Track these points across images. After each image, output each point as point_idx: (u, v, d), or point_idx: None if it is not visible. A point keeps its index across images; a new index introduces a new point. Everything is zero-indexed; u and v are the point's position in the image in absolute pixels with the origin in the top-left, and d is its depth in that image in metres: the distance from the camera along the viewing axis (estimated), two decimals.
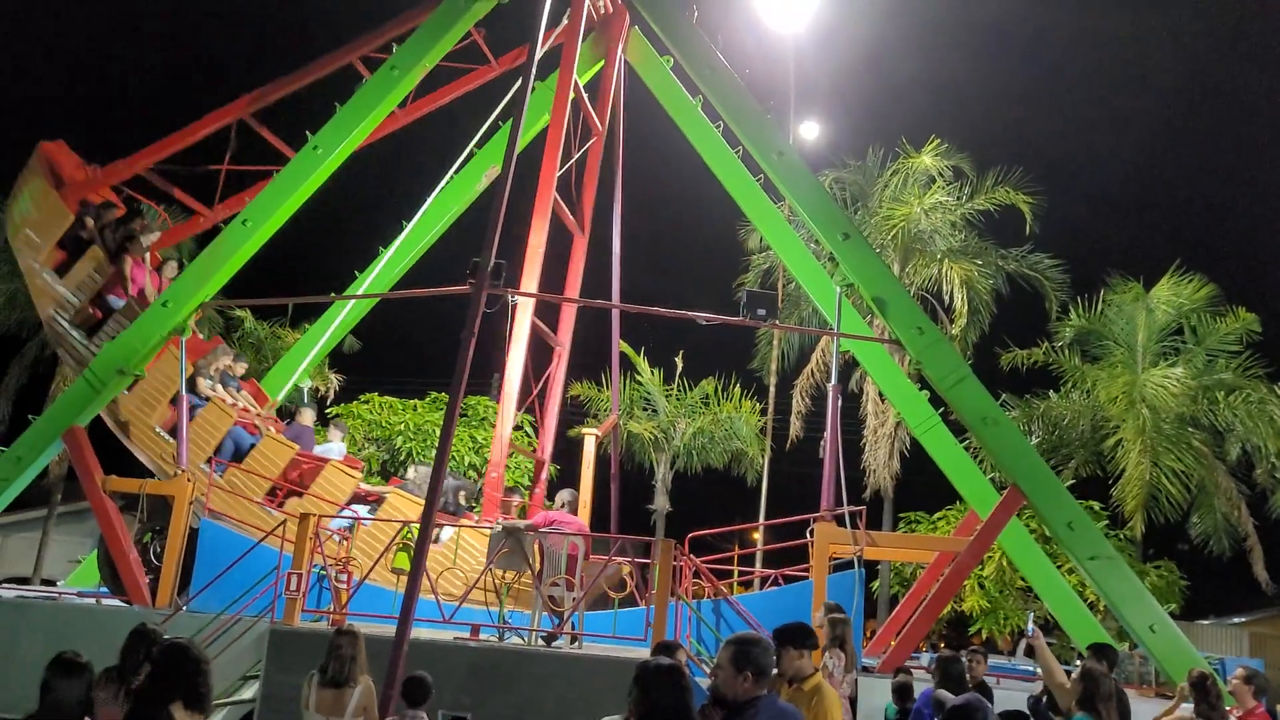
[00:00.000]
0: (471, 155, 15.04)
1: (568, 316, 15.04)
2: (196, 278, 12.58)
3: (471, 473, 20.71)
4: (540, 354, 14.37)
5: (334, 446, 13.81)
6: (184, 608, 10.92)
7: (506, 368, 12.52)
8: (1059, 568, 14.84)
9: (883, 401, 21.95)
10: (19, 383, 25.46)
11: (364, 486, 13.28)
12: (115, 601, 11.90)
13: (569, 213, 14.57)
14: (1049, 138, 46.77)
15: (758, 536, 23.83)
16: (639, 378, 25.35)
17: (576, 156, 14.63)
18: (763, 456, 24.94)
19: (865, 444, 23.20)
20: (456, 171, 15.03)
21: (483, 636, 9.89)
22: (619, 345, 17.38)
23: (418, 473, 13.55)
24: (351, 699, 6.48)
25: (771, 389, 24.77)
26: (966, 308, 22.29)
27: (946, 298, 22.69)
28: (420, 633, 8.98)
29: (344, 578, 10.98)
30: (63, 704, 4.23)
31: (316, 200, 13.35)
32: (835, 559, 11.18)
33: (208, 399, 12.79)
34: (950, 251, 22.82)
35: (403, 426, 22.59)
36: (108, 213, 13.78)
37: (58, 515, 26.39)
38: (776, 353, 24.73)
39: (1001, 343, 23.14)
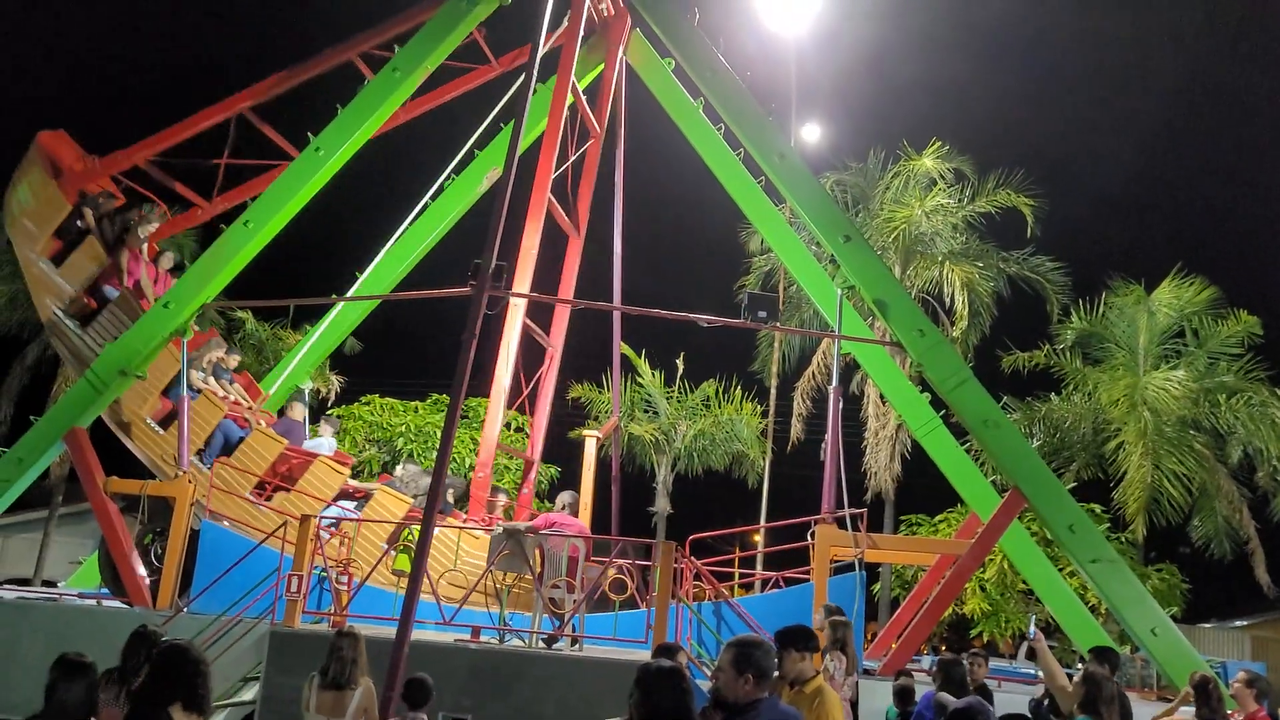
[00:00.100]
0: (472, 156, 15.05)
1: (561, 318, 15.06)
2: (198, 279, 12.58)
3: (472, 474, 20.70)
4: (535, 355, 14.41)
5: (324, 442, 13.80)
6: (185, 609, 10.91)
7: (496, 368, 12.54)
8: (1060, 571, 14.82)
9: (884, 404, 21.93)
10: (21, 383, 25.50)
11: (351, 483, 13.28)
12: (116, 603, 11.90)
13: (564, 214, 14.58)
14: (1050, 139, 46.82)
15: (758, 539, 23.81)
16: (640, 380, 25.35)
17: (574, 158, 14.65)
18: (764, 459, 24.93)
19: (866, 446, 23.19)
20: (457, 173, 15.05)
21: (483, 639, 9.89)
22: (620, 347, 17.38)
23: (405, 470, 13.55)
24: (352, 701, 6.47)
25: (772, 391, 24.77)
26: (967, 310, 22.30)
27: (947, 300, 22.70)
28: (421, 635, 8.97)
29: (344, 579, 10.97)
30: (68, 704, 4.23)
31: (318, 201, 13.36)
32: (836, 561, 11.16)
33: (199, 391, 12.77)
34: (951, 254, 22.83)
35: (404, 428, 22.61)
36: (106, 203, 13.77)
37: (59, 516, 26.41)
38: (777, 355, 24.73)
39: (1003, 345, 23.17)
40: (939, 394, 12.03)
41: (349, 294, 15.18)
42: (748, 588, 14.08)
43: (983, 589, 20.87)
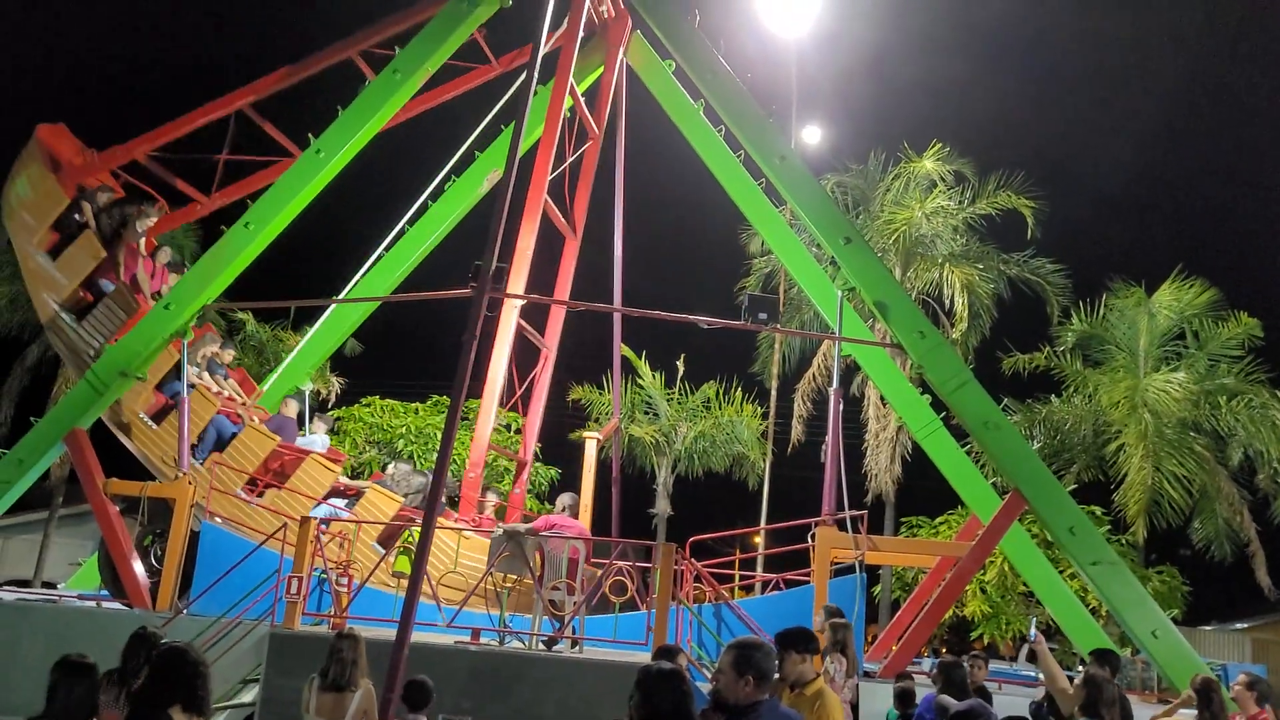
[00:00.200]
0: (472, 156, 15.06)
1: (556, 319, 15.08)
2: (199, 280, 12.58)
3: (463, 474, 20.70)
4: (532, 356, 14.42)
5: (317, 439, 13.79)
6: (184, 611, 10.91)
7: (489, 368, 12.55)
8: (1061, 573, 14.82)
9: (884, 406, 21.93)
10: (21, 385, 25.52)
11: (343, 480, 13.28)
12: (116, 604, 11.88)
13: (561, 215, 14.60)
14: (1050, 140, 46.86)
15: (759, 541, 23.80)
16: (640, 381, 25.35)
17: (571, 159, 14.66)
18: (764, 460, 24.93)
19: (867, 448, 23.19)
20: (457, 173, 15.06)
21: (483, 640, 9.88)
22: (620, 349, 17.38)
23: (397, 469, 13.57)
24: (352, 703, 6.46)
25: (773, 393, 24.76)
26: (968, 312, 22.31)
27: (948, 302, 22.70)
28: (421, 637, 8.97)
29: (344, 581, 10.97)
30: (70, 706, 4.23)
31: (319, 202, 13.36)
32: (836, 563, 11.16)
33: (193, 386, 12.74)
34: (952, 256, 22.84)
35: (404, 430, 22.58)
36: (104, 196, 13.76)
37: (59, 518, 26.41)
38: (778, 357, 24.73)
39: (1003, 347, 23.17)
40: (939, 396, 12.02)
41: (349, 295, 15.20)
42: (748, 590, 14.08)
43: (983, 591, 20.85)
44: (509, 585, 10.49)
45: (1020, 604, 20.74)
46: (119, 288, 12.97)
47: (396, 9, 13.77)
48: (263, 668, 9.40)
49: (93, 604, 12.41)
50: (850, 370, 20.13)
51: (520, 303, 12.88)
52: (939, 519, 22.61)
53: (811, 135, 25.06)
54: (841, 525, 11.28)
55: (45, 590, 17.82)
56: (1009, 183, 22.73)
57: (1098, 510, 20.23)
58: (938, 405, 12.70)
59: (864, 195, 24.18)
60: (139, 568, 11.87)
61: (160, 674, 4.05)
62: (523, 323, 13.34)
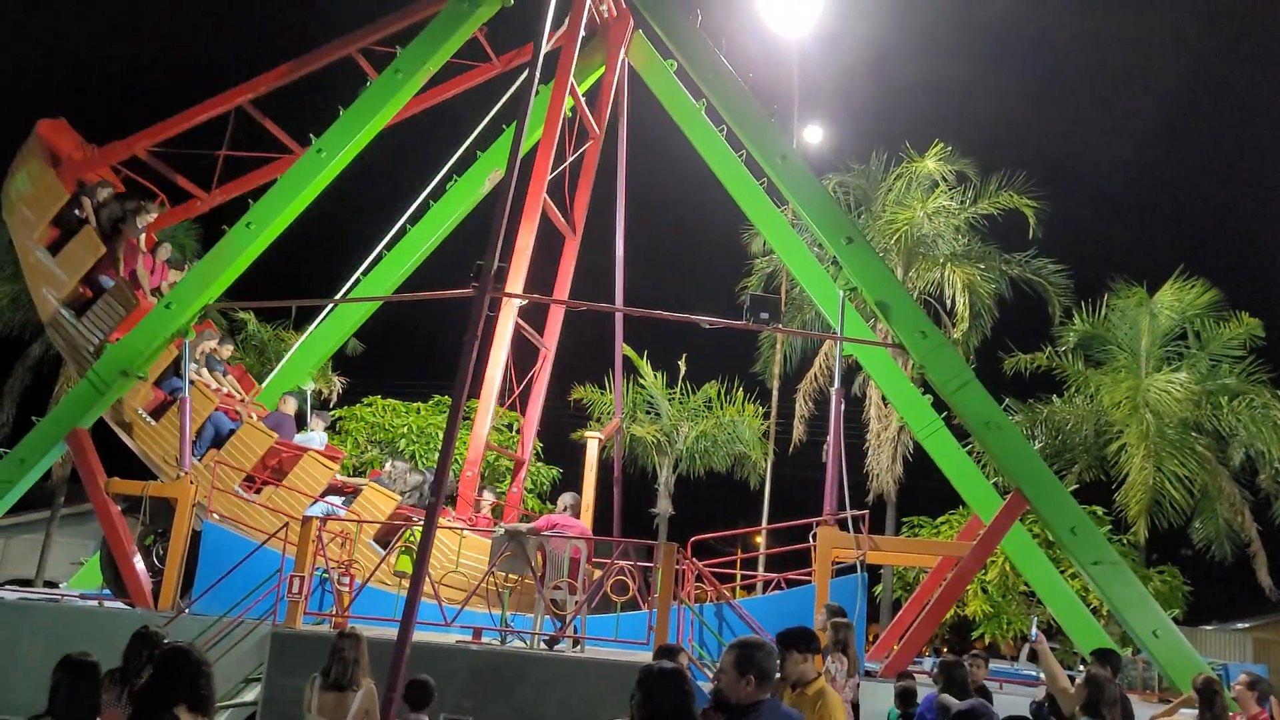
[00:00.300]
0: (473, 155, 15.06)
1: (555, 318, 15.08)
2: (200, 280, 12.59)
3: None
4: (531, 356, 14.43)
5: (315, 436, 13.80)
6: (186, 610, 10.92)
7: (487, 368, 12.55)
8: (1062, 573, 14.81)
9: (885, 406, 21.93)
10: (23, 384, 25.54)
11: (340, 478, 13.29)
12: (118, 604, 11.90)
13: (560, 215, 14.60)
14: (1052, 140, 46.84)
15: (760, 540, 23.80)
16: (642, 381, 25.36)
17: (571, 159, 14.66)
18: (765, 460, 24.92)
19: (868, 448, 23.17)
20: (458, 172, 15.06)
21: (485, 640, 9.89)
22: (622, 349, 17.38)
23: (394, 467, 13.59)
24: (353, 702, 6.47)
25: (774, 393, 24.77)
26: (969, 312, 22.29)
27: (949, 302, 22.69)
28: (422, 636, 8.97)
29: (346, 580, 10.98)
30: (72, 705, 4.24)
31: (320, 202, 13.37)
32: (838, 563, 11.16)
33: (191, 382, 12.75)
34: (953, 256, 22.83)
35: (405, 429, 22.60)
36: (104, 192, 13.77)
37: (61, 517, 26.42)
38: (779, 356, 24.73)
39: (1005, 347, 23.16)
40: (941, 396, 12.02)
41: (351, 295, 15.21)
42: (749, 589, 14.07)
43: (984, 591, 20.85)
44: (510, 585, 10.50)
45: (1021, 604, 20.74)
46: (119, 283, 12.97)
47: (397, 7, 13.78)
48: (265, 667, 9.41)
49: (95, 603, 12.43)
50: (852, 370, 20.12)
51: (519, 302, 12.89)
52: (940, 519, 22.61)
53: (813, 135, 25.05)
54: (843, 525, 11.28)
55: (47, 589, 17.83)
56: (1011, 183, 22.72)
57: (1099, 510, 20.23)
58: (939, 405, 12.71)
59: (866, 195, 24.16)
60: (141, 567, 11.88)
61: (164, 674, 4.06)
62: (521, 322, 13.35)
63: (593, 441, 14.87)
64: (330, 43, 14.02)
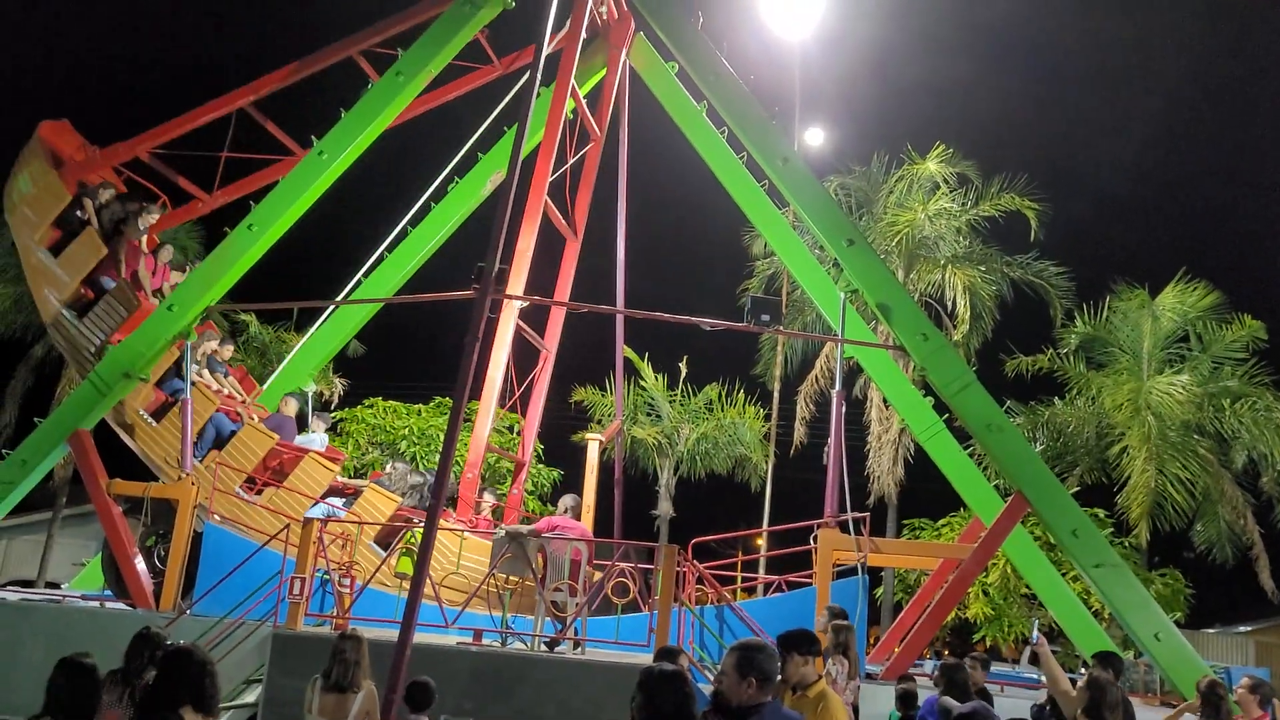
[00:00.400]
0: (474, 157, 15.07)
1: (556, 320, 15.09)
2: (202, 282, 12.60)
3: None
4: (532, 357, 14.43)
5: (316, 437, 13.80)
6: (187, 611, 10.92)
7: (488, 369, 12.56)
8: (1063, 575, 14.79)
9: (887, 408, 21.92)
10: (25, 385, 25.57)
11: (341, 479, 13.30)
12: (119, 605, 11.91)
13: (561, 217, 14.61)
14: (1054, 141, 46.84)
15: (761, 542, 23.79)
16: (643, 383, 25.36)
17: (572, 161, 14.67)
18: (766, 462, 24.91)
19: (869, 450, 23.17)
20: (459, 174, 15.08)
21: (485, 641, 9.89)
22: (623, 351, 17.39)
23: (395, 469, 13.60)
24: (354, 704, 6.47)
25: (775, 395, 24.76)
26: (970, 314, 22.29)
27: (950, 304, 22.69)
28: (423, 638, 8.98)
29: (347, 582, 10.98)
30: (68, 706, 4.24)
31: (321, 204, 13.38)
32: (839, 565, 11.15)
33: (192, 384, 12.76)
34: (955, 258, 22.84)
35: (406, 431, 22.59)
36: (105, 193, 13.79)
37: (62, 518, 26.44)
38: (780, 359, 24.73)
39: (1006, 349, 23.15)
40: (942, 398, 12.01)
41: (352, 297, 15.22)
42: (750, 591, 14.07)
43: (986, 593, 20.82)
44: (511, 586, 10.50)
45: (1023, 606, 20.71)
46: (120, 285, 12.99)
47: (398, 9, 13.80)
48: (265, 668, 9.42)
49: (96, 604, 12.43)
50: (853, 372, 20.13)
51: (519, 304, 12.89)
52: (941, 521, 22.59)
53: (814, 137, 25.11)
54: (844, 527, 11.27)
55: (49, 590, 17.85)
56: (1012, 184, 22.74)
57: (1101, 513, 20.21)
58: (940, 407, 12.70)
59: (867, 197, 24.17)
60: (142, 568, 11.89)
61: (169, 675, 4.07)
62: (522, 324, 13.36)
63: (593, 443, 14.87)
64: (331, 44, 14.04)
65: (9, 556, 29.35)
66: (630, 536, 13.84)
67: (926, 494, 21.41)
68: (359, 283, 15.19)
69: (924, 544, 19.60)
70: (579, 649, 9.87)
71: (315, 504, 12.18)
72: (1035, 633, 6.73)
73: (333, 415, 20.48)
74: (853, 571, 11.09)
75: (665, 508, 25.30)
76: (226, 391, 13.79)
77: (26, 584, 21.81)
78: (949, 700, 7.11)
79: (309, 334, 15.97)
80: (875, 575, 21.24)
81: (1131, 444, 20.43)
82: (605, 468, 15.77)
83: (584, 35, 13.91)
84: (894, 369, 14.17)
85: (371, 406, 23.36)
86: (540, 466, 23.05)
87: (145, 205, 14.04)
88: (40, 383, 25.33)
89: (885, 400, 20.59)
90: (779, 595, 12.30)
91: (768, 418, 25.00)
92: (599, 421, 24.22)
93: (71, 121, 14.57)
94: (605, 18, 14.56)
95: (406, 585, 9.85)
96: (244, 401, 14.07)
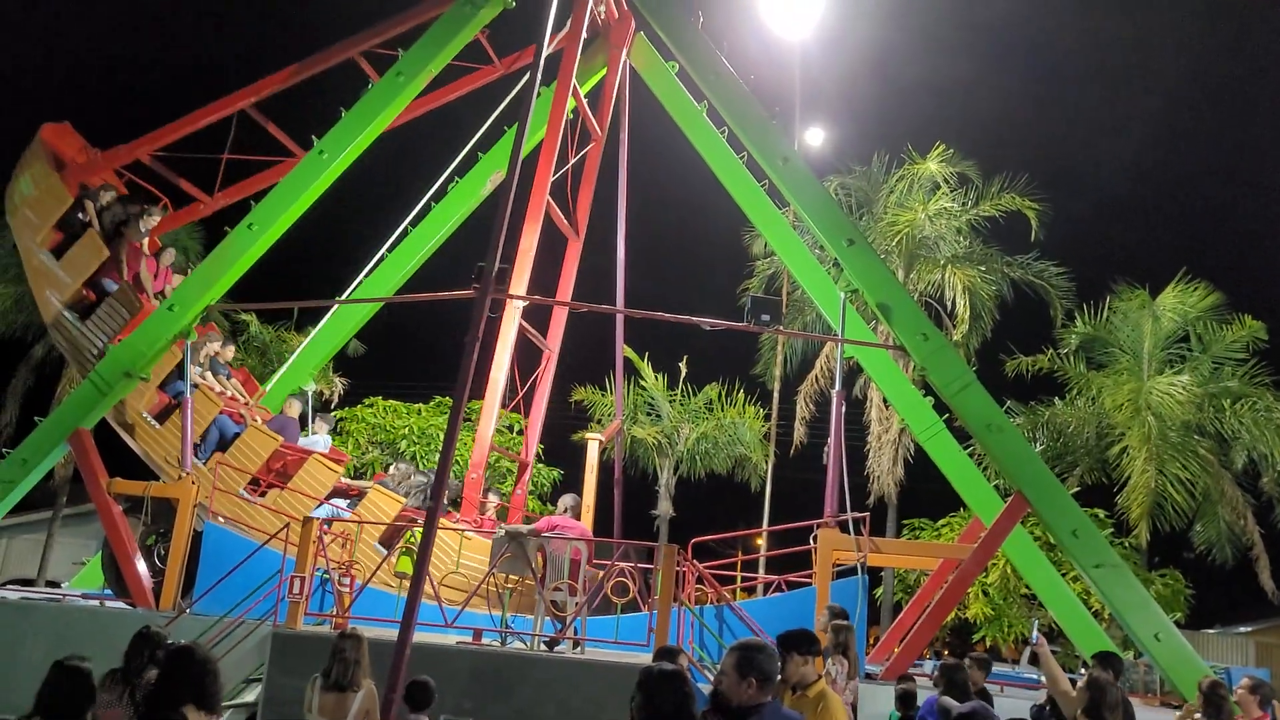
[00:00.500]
0: (474, 157, 15.08)
1: (558, 320, 15.09)
2: (202, 281, 12.61)
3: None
4: (534, 357, 14.43)
5: (319, 439, 13.81)
6: (187, 610, 10.93)
7: (490, 369, 12.57)
8: (1063, 575, 14.78)
9: (887, 408, 21.92)
10: (25, 385, 25.60)
11: (345, 480, 13.30)
12: (119, 604, 11.91)
13: (563, 217, 14.62)
14: (1054, 141, 46.85)
15: (761, 542, 23.79)
16: (643, 383, 25.37)
17: (574, 161, 14.67)
18: (766, 462, 24.92)
19: (869, 450, 23.18)
20: (460, 174, 15.08)
21: (485, 641, 9.89)
22: (623, 350, 17.38)
23: (398, 469, 13.60)
24: (354, 703, 6.48)
25: (775, 395, 24.77)
26: (970, 314, 22.29)
27: (950, 304, 22.69)
28: (423, 637, 8.98)
29: (347, 581, 10.98)
30: (59, 706, 4.24)
31: (321, 203, 13.39)
32: (838, 565, 11.15)
33: (195, 386, 12.77)
34: (955, 258, 22.84)
35: (407, 430, 22.60)
36: (106, 195, 13.79)
37: (63, 517, 26.47)
38: (780, 358, 24.74)
39: (1006, 349, 23.16)
40: (942, 398, 12.01)
41: (353, 296, 15.22)
42: (750, 591, 14.07)
43: (985, 594, 20.83)
44: (511, 586, 10.50)
45: (1022, 606, 20.71)
46: (122, 287, 13.00)
47: (399, 9, 13.80)
48: (265, 667, 9.42)
49: (96, 603, 12.44)
50: (853, 372, 20.13)
51: (522, 304, 12.90)
52: (941, 521, 22.59)
53: (815, 137, 25.12)
54: (844, 527, 11.27)
55: (49, 589, 17.85)
56: (1013, 184, 22.74)
57: (1101, 513, 20.21)
58: (940, 407, 12.70)
59: (867, 197, 24.18)
60: (142, 567, 11.89)
61: (171, 674, 4.08)
62: (524, 324, 13.37)
63: (593, 443, 14.88)
64: (332, 45, 14.04)
65: (9, 555, 29.37)
66: (630, 536, 13.84)
67: (926, 494, 21.43)
68: (360, 282, 15.20)
69: (924, 544, 19.60)
70: (579, 649, 9.87)
71: (319, 505, 12.19)
72: (1035, 633, 6.74)
73: (333, 414, 20.50)
74: (852, 571, 11.09)
75: (665, 507, 25.30)
76: (230, 394, 13.80)
77: (27, 583, 21.81)
78: (949, 700, 7.11)
79: (311, 335, 15.98)
80: (875, 575, 21.25)
81: (1131, 444, 20.43)
82: (605, 467, 15.77)
83: (584, 35, 13.91)
84: (894, 369, 14.17)
85: (371, 406, 23.37)
86: (540, 466, 23.06)
87: (147, 207, 14.06)
88: (41, 382, 25.37)
89: (885, 400, 20.59)
90: (779, 595, 12.30)
91: (768, 418, 25.01)
92: (599, 421, 24.22)
93: (72, 122, 14.59)
94: (605, 17, 14.56)
95: (406, 584, 9.85)
96: (247, 403, 14.07)
